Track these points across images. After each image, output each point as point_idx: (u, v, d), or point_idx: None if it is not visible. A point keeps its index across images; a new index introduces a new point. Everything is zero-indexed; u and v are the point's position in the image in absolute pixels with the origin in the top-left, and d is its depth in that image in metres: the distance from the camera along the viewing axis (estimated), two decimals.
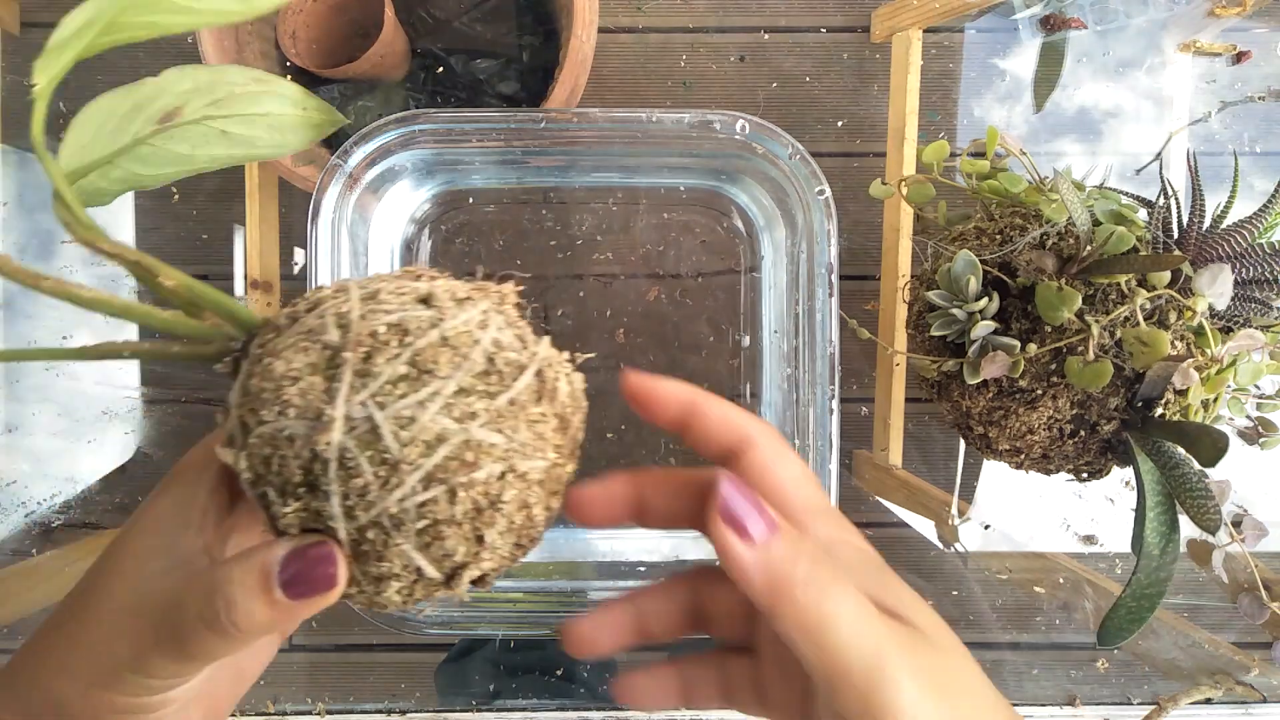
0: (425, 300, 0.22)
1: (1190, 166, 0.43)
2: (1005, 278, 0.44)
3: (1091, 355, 0.40)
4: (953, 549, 0.62)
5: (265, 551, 0.21)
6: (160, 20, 0.22)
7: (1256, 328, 0.40)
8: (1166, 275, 0.40)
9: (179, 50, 0.59)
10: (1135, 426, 0.43)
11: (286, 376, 0.21)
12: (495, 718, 0.60)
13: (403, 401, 0.20)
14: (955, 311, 0.44)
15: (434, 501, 0.21)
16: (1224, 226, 0.41)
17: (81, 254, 0.60)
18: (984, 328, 0.43)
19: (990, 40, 0.61)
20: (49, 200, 0.60)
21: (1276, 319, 0.41)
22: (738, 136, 0.45)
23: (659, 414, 0.25)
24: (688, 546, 0.55)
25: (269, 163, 0.52)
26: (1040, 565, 0.61)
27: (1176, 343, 0.41)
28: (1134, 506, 0.41)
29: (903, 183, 0.50)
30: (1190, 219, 0.41)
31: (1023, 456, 0.47)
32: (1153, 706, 0.58)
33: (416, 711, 0.61)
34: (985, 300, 0.43)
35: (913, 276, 0.53)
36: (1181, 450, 0.40)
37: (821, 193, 0.45)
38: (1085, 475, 0.47)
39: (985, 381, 0.44)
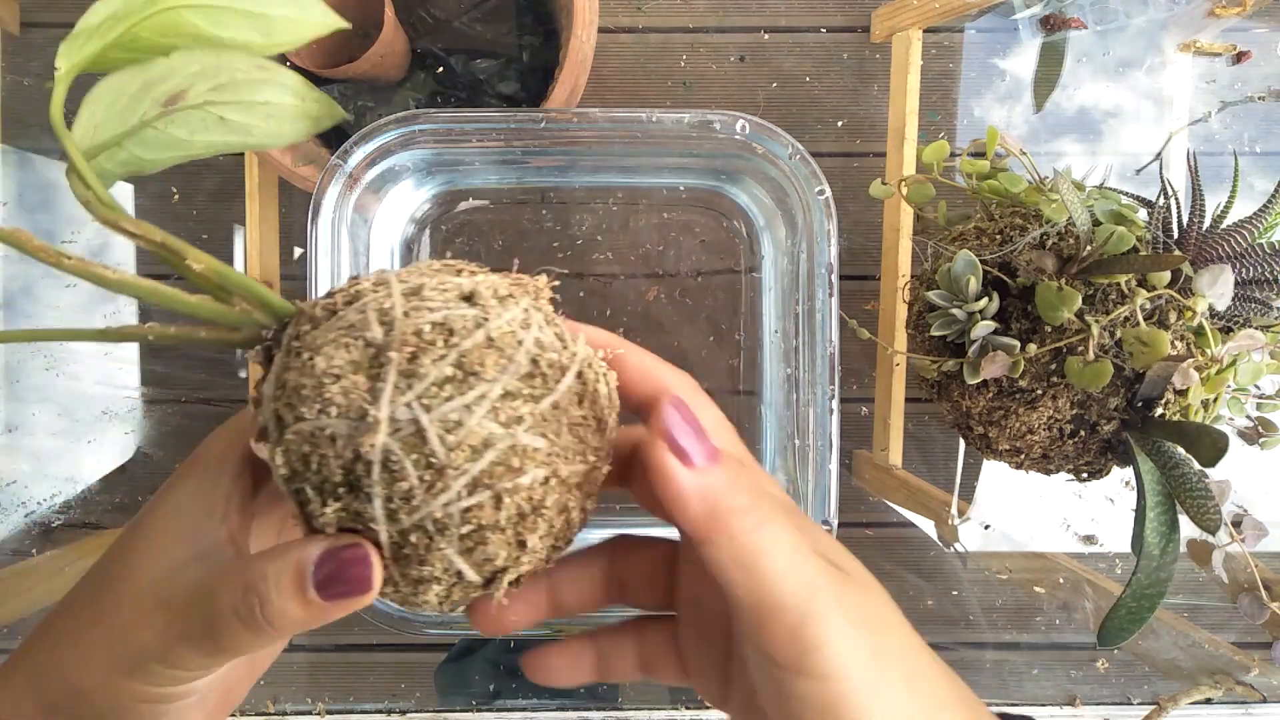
0: (469, 298, 0.22)
1: (1190, 166, 0.43)
2: (1005, 278, 0.44)
3: (1091, 355, 0.40)
4: (953, 549, 0.62)
5: (300, 550, 0.21)
6: (179, 45, 0.22)
7: (1256, 328, 0.40)
8: (1166, 275, 0.40)
9: None
10: (1135, 426, 0.43)
11: (328, 373, 0.20)
12: (495, 718, 0.60)
13: (449, 405, 0.20)
14: (955, 311, 0.44)
15: (479, 507, 0.20)
16: (1224, 226, 0.41)
17: (84, 253, 0.60)
18: (984, 328, 0.43)
19: (990, 40, 0.61)
20: (49, 200, 0.60)
21: (1276, 319, 0.41)
22: (738, 136, 0.45)
23: None
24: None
25: (269, 163, 0.52)
26: (1040, 565, 0.61)
27: (1176, 343, 0.41)
28: (1134, 506, 0.41)
29: (903, 183, 0.50)
30: (1190, 219, 0.41)
31: (1023, 456, 0.47)
32: (1153, 706, 0.58)
33: (416, 711, 0.61)
34: (985, 300, 0.43)
35: (913, 276, 0.53)
36: (1181, 450, 0.40)
37: (821, 193, 0.45)
38: (1085, 475, 0.47)
39: (985, 381, 0.44)
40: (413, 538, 0.21)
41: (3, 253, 0.60)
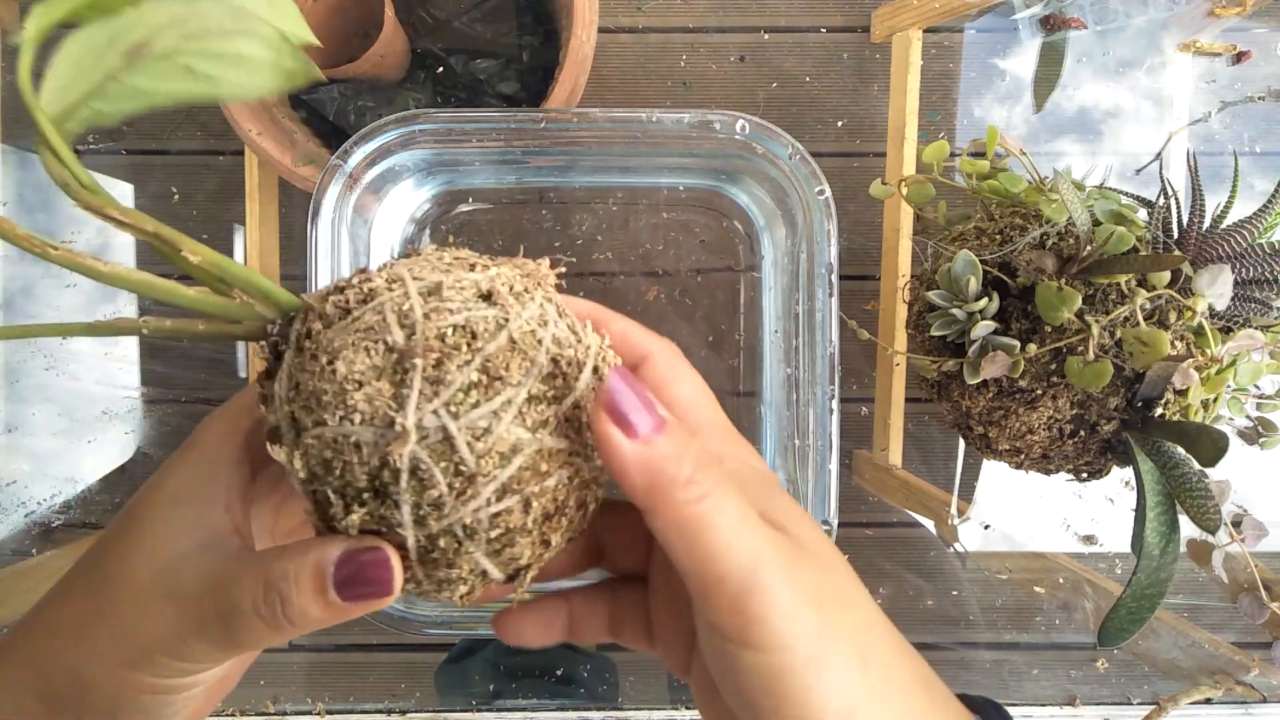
0: (487, 297, 0.22)
1: (1190, 166, 0.43)
2: (1005, 278, 0.44)
3: (1091, 355, 0.40)
4: (952, 549, 0.62)
5: (320, 550, 0.21)
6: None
7: (1256, 328, 0.40)
8: (1166, 275, 0.40)
9: None
10: (1135, 426, 0.43)
11: (350, 380, 0.20)
12: (495, 718, 0.60)
13: (476, 411, 0.20)
14: (955, 311, 0.44)
15: (508, 512, 0.21)
16: (1224, 226, 0.41)
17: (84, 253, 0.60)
18: (984, 328, 0.43)
19: (990, 40, 0.61)
20: (49, 200, 0.60)
21: (1276, 319, 0.41)
22: (738, 136, 0.45)
23: None
24: None
25: (269, 163, 0.52)
26: (1040, 565, 0.61)
27: (1176, 343, 0.41)
28: (1134, 506, 0.41)
29: (903, 183, 0.50)
30: (1190, 219, 0.41)
31: (1023, 456, 0.47)
32: (1153, 706, 0.58)
33: (416, 711, 0.61)
34: (985, 300, 0.43)
35: (913, 276, 0.53)
36: (1181, 450, 0.40)
37: (821, 193, 0.45)
38: (1085, 475, 0.47)
39: (985, 381, 0.44)
40: (441, 542, 0.21)
41: (2, 253, 0.60)
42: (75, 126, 0.22)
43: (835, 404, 0.45)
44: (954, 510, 0.60)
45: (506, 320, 0.21)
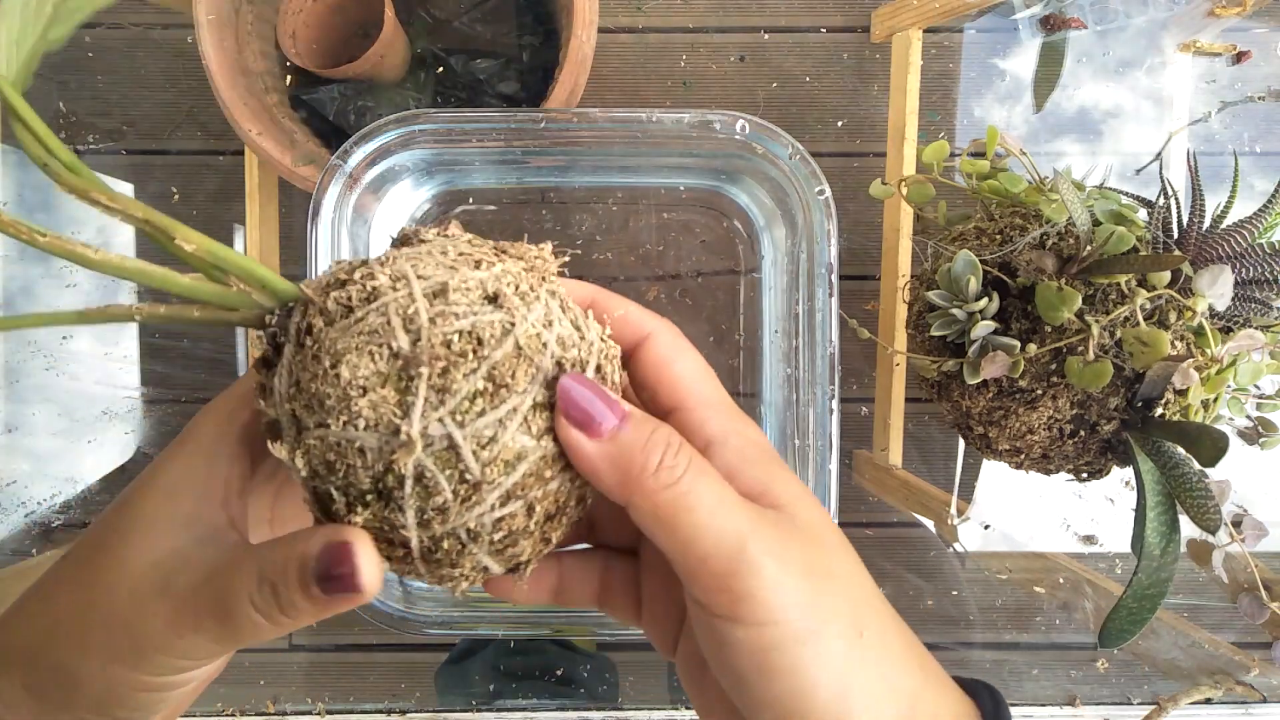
0: (493, 299, 0.21)
1: (1190, 166, 0.43)
2: (1005, 278, 0.44)
3: (1091, 355, 0.40)
4: (952, 549, 0.62)
5: (304, 543, 0.20)
6: None
7: (1256, 328, 0.40)
8: (1166, 275, 0.40)
9: (178, 49, 0.59)
10: (1135, 426, 0.43)
11: (353, 385, 0.20)
12: (495, 718, 0.60)
13: (482, 420, 0.20)
14: (955, 311, 0.44)
15: (511, 516, 0.21)
16: (1224, 226, 0.41)
17: None
18: (984, 328, 0.43)
19: (990, 40, 0.61)
20: (49, 200, 0.60)
21: (1276, 319, 0.41)
22: (738, 136, 0.45)
23: None
24: None
25: (269, 163, 0.52)
26: (1040, 565, 0.61)
27: (1176, 343, 0.41)
28: (1134, 506, 0.41)
29: (903, 183, 0.50)
30: (1190, 219, 0.41)
31: (1023, 456, 0.47)
32: (1153, 706, 0.58)
33: (416, 711, 0.61)
34: (985, 300, 0.43)
35: (913, 276, 0.53)
36: (1181, 450, 0.40)
37: (821, 193, 0.45)
38: (1085, 475, 0.47)
39: (985, 381, 0.44)
40: (445, 544, 0.21)
41: (3, 253, 0.60)
42: (31, 66, 0.21)
43: (835, 404, 0.45)
44: (954, 510, 0.60)
45: (513, 325, 0.21)
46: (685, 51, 0.61)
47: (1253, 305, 0.41)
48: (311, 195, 0.45)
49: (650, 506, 0.20)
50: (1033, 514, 0.60)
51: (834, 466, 0.45)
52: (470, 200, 0.58)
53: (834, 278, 0.45)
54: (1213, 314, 0.41)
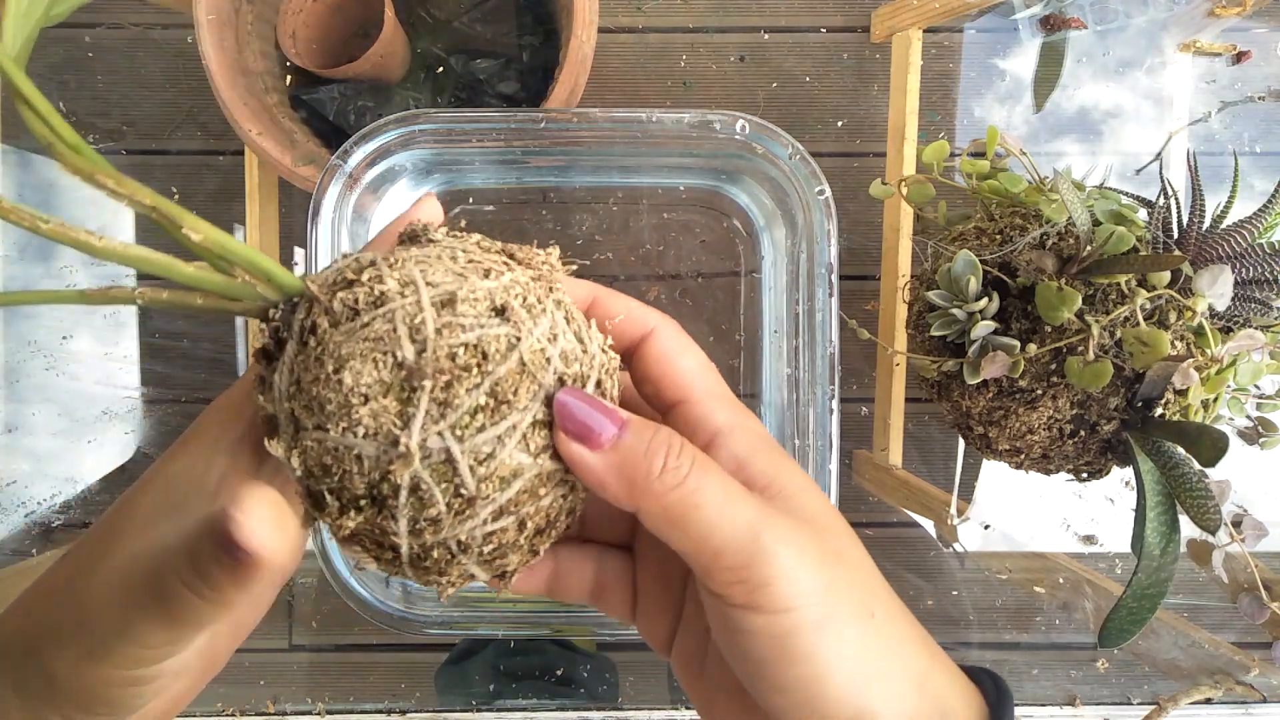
0: (501, 311, 0.21)
1: (1190, 166, 0.43)
2: (1005, 278, 0.44)
3: (1091, 355, 0.40)
4: (952, 549, 0.62)
5: (220, 509, 0.19)
6: None
7: (1256, 328, 0.40)
8: (1166, 275, 0.40)
9: (178, 49, 0.59)
10: (1135, 426, 0.43)
11: (356, 392, 0.20)
12: (495, 718, 0.60)
13: (481, 436, 0.20)
14: (955, 311, 0.44)
15: (503, 530, 0.21)
16: (1224, 226, 0.41)
17: (84, 255, 0.60)
18: (984, 328, 0.43)
19: (990, 40, 0.61)
20: (49, 200, 0.60)
21: (1276, 319, 0.41)
22: (738, 136, 0.45)
23: None
24: None
25: (269, 163, 0.52)
26: (1040, 565, 0.61)
27: (1176, 343, 0.41)
28: (1134, 506, 0.41)
29: (903, 183, 0.50)
30: (1190, 219, 0.41)
31: (1023, 456, 0.47)
32: (1153, 706, 0.58)
33: (416, 711, 0.61)
34: (985, 300, 0.43)
35: (913, 276, 0.53)
36: (1181, 450, 0.40)
37: (821, 193, 0.45)
38: (1085, 475, 0.47)
39: (985, 381, 0.44)
40: (434, 553, 0.21)
41: (3, 253, 0.60)
42: (32, 41, 0.20)
43: (835, 404, 0.45)
44: (954, 510, 0.60)
45: (518, 340, 0.21)
46: (685, 51, 0.61)
47: (1253, 305, 0.41)
48: (311, 195, 0.45)
49: (660, 509, 0.20)
50: (1033, 514, 0.60)
51: (834, 466, 0.45)
52: (470, 200, 0.58)
53: (834, 278, 0.45)
54: (1213, 314, 0.41)
